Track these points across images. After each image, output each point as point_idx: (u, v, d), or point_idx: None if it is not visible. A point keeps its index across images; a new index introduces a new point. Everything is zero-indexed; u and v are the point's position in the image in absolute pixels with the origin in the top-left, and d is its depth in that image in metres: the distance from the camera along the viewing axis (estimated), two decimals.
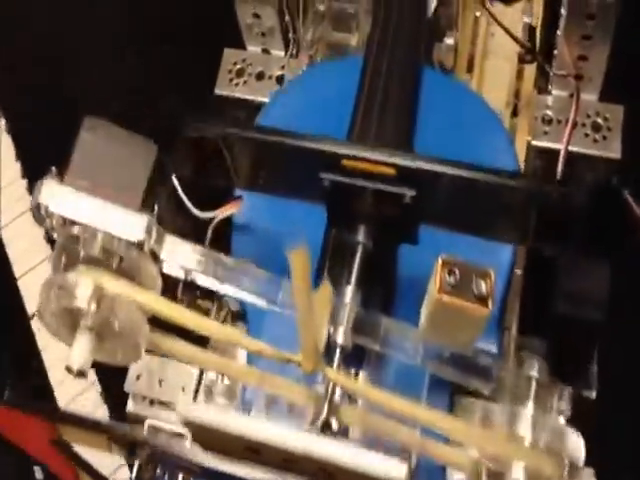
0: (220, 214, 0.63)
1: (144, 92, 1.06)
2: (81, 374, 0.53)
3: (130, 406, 0.78)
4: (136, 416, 0.78)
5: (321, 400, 0.52)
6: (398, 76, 0.64)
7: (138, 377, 0.74)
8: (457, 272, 0.50)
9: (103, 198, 0.55)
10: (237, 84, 0.95)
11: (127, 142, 0.58)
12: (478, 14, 0.83)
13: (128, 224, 0.55)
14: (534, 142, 0.80)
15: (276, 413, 0.57)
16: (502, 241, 0.58)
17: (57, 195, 0.55)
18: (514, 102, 0.81)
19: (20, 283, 1.02)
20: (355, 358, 0.57)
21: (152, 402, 0.77)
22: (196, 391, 0.72)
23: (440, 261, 0.50)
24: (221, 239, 0.67)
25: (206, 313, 0.68)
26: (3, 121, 1.11)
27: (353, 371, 0.58)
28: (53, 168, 0.57)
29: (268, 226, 0.67)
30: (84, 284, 0.53)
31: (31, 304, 0.99)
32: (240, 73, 0.95)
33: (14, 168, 1.08)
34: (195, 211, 0.60)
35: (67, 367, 0.53)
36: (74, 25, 1.13)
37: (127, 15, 1.13)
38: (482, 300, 0.50)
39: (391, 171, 0.53)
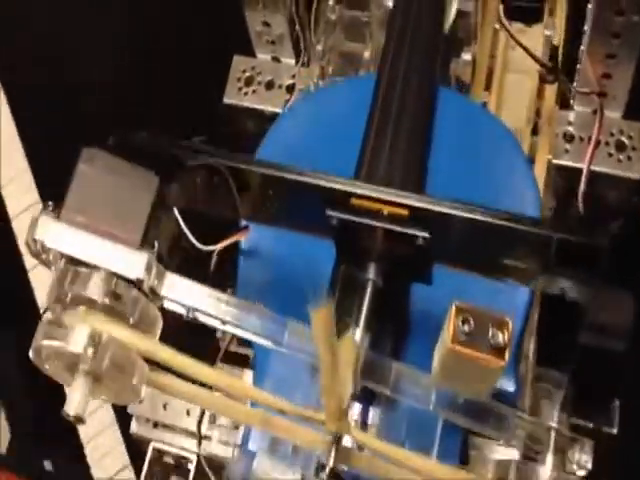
0: (226, 242, 0.61)
1: (150, 99, 1.03)
2: (78, 420, 0.51)
3: (133, 427, 0.76)
4: (140, 437, 0.77)
5: (328, 445, 0.50)
6: (412, 103, 0.61)
7: (141, 400, 0.72)
8: (472, 321, 0.47)
9: (101, 234, 0.53)
10: (246, 93, 0.92)
11: (127, 174, 0.55)
12: (497, 27, 0.79)
13: (127, 262, 0.52)
14: (555, 161, 0.77)
15: (280, 454, 0.55)
16: (519, 283, 0.55)
17: (53, 231, 0.53)
18: (535, 119, 0.78)
19: (31, 275, 1.00)
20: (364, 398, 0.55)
21: (156, 424, 0.76)
22: (201, 415, 0.70)
23: (454, 308, 0.48)
24: (226, 262, 0.65)
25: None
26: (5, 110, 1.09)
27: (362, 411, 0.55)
28: (50, 203, 0.54)
29: (276, 253, 0.64)
30: (80, 329, 0.51)
31: (42, 296, 0.98)
32: (249, 81, 0.92)
33: (20, 160, 1.06)
34: (198, 245, 0.57)
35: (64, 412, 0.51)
36: (76, 26, 1.11)
37: (134, 19, 1.11)
38: (498, 351, 0.47)
39: (404, 212, 0.50)
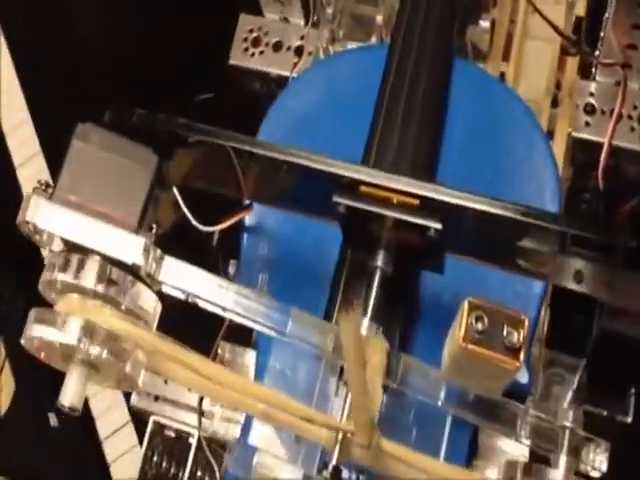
0: (228, 223, 0.58)
1: (155, 57, 0.99)
2: (73, 410, 0.49)
3: (134, 400, 0.75)
4: (141, 410, 0.75)
5: (332, 439, 0.48)
6: (426, 78, 0.58)
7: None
8: (485, 318, 0.45)
9: (96, 216, 0.50)
10: (253, 54, 0.88)
11: (124, 151, 0.52)
12: None
13: (123, 245, 0.50)
14: (575, 134, 0.74)
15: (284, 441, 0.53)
16: (534, 277, 0.52)
17: (45, 212, 0.50)
18: (554, 90, 0.74)
19: None
20: None
21: (157, 398, 0.74)
22: None
23: (467, 304, 0.45)
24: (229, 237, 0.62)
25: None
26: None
27: None
28: (41, 181, 0.51)
29: (280, 232, 0.61)
30: (73, 320, 0.48)
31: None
32: (256, 42, 0.88)
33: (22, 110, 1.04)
34: (199, 226, 0.55)
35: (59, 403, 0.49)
36: None
37: None
38: (513, 351, 0.44)
39: (414, 202, 0.47)
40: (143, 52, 1.01)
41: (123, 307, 0.50)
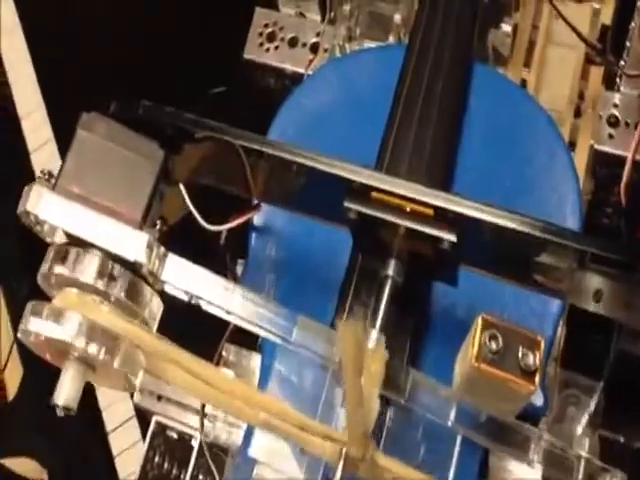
0: (235, 222, 0.56)
1: (169, 49, 0.97)
2: (67, 410, 0.47)
3: (137, 398, 0.73)
4: (143, 409, 0.73)
5: (337, 453, 0.45)
6: (444, 82, 0.56)
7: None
8: (500, 338, 0.43)
9: (99, 209, 0.48)
10: (268, 49, 0.86)
11: (130, 144, 0.50)
12: None
13: (126, 241, 0.48)
14: (597, 146, 0.71)
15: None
16: (551, 294, 0.50)
17: (46, 203, 0.48)
18: (577, 100, 0.72)
19: None
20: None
21: (160, 397, 0.72)
22: None
23: (480, 321, 0.43)
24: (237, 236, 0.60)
25: None
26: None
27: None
28: (44, 170, 0.50)
29: (290, 233, 0.59)
30: (71, 316, 0.46)
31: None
32: (272, 37, 0.86)
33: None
34: (205, 225, 0.53)
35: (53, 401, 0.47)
36: None
37: None
38: (528, 374, 0.42)
39: (428, 211, 0.45)
40: (158, 42, 0.99)
41: (123, 305, 0.48)
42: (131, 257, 0.47)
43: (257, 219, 0.60)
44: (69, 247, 0.48)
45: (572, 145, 0.70)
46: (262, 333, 0.49)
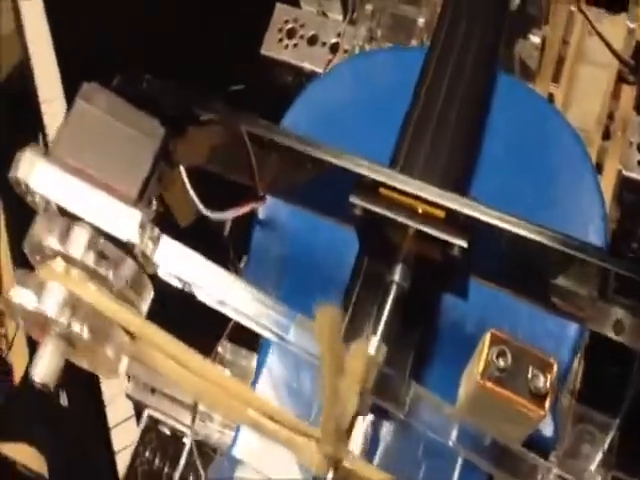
0: (237, 211, 0.53)
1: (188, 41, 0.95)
2: (44, 387, 0.44)
3: (130, 389, 0.70)
4: (136, 401, 0.70)
5: (326, 463, 0.42)
6: (466, 85, 0.53)
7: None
8: (509, 355, 0.39)
9: (92, 183, 0.46)
10: (287, 46, 0.84)
11: (130, 119, 0.47)
12: (574, 9, 0.70)
13: (118, 218, 0.45)
14: (626, 173, 0.68)
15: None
16: (569, 310, 0.47)
17: (38, 172, 0.46)
18: (607, 122, 0.69)
19: None
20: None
21: (154, 390, 0.69)
22: None
23: (489, 337, 0.40)
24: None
25: None
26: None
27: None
28: (39, 139, 0.47)
29: (295, 229, 0.57)
30: (55, 290, 0.44)
31: None
32: (291, 34, 0.84)
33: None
34: (205, 211, 0.50)
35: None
36: None
37: None
38: (538, 397, 0.39)
39: (439, 214, 0.42)
40: (176, 34, 0.97)
41: (111, 285, 0.45)
42: (122, 235, 0.45)
43: (262, 213, 0.57)
44: (59, 217, 0.45)
45: (599, 168, 0.67)
46: (257, 328, 0.46)
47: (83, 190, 0.45)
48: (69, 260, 0.45)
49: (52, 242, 0.44)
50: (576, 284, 0.43)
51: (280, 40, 0.84)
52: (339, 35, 0.82)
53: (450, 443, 0.42)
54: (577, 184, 0.54)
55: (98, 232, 0.45)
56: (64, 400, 0.85)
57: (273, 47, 0.85)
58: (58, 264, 0.45)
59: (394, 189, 0.43)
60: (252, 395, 0.42)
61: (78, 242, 0.44)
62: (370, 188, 0.44)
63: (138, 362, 0.47)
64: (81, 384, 0.83)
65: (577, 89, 0.69)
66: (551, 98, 0.69)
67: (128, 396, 0.71)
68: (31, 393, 0.85)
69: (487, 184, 0.53)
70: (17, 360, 0.89)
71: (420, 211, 0.43)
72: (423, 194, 0.42)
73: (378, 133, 0.54)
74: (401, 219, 0.43)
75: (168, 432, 0.70)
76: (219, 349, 0.66)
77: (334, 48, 0.82)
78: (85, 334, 0.43)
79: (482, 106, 0.55)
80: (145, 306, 0.47)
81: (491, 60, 0.58)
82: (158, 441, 0.71)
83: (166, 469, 0.70)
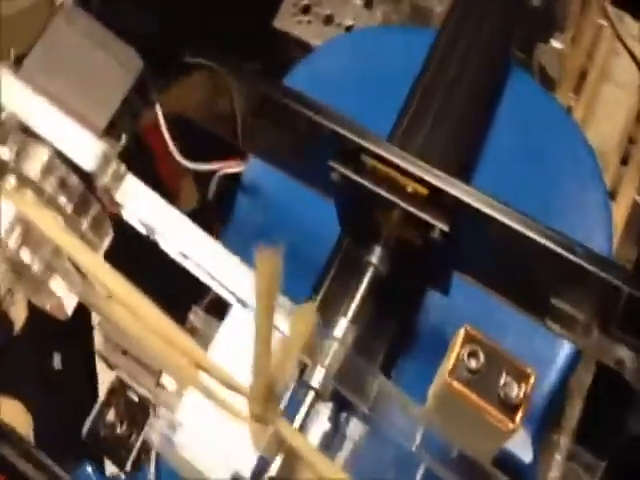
0: (213, 168, 0.49)
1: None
2: None
3: (99, 344, 0.65)
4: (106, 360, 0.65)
5: (275, 444, 0.38)
6: (474, 72, 0.50)
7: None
8: (482, 356, 0.35)
9: (60, 105, 0.43)
10: (300, 22, 0.80)
11: (108, 47, 0.45)
12: (602, 22, 0.66)
13: (82, 147, 0.42)
14: None
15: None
16: (563, 333, 0.43)
17: (5, 86, 0.43)
18: (627, 146, 0.64)
19: None
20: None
21: (125, 352, 0.65)
22: None
23: (462, 333, 0.36)
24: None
25: None
26: None
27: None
28: (12, 54, 0.43)
29: (281, 198, 0.53)
30: (4, 208, 0.41)
31: None
32: (306, 10, 0.80)
33: None
34: (180, 158, 0.46)
35: None
36: None
37: None
38: (509, 408, 0.35)
39: (423, 191, 0.38)
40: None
41: (69, 219, 0.42)
42: (84, 164, 0.42)
43: (247, 179, 0.54)
44: (19, 133, 0.42)
45: (612, 195, 0.62)
46: (219, 289, 0.42)
47: (49, 110, 0.42)
48: (24, 181, 0.41)
49: (3, 152, 0.41)
50: (573, 305, 0.39)
51: (294, 14, 0.80)
52: (355, 18, 0.78)
53: (414, 447, 0.38)
54: (585, 203, 0.50)
55: (60, 158, 0.42)
56: (57, 364, 0.81)
57: (286, 21, 0.80)
58: (11, 181, 0.41)
59: (376, 156, 0.39)
60: (195, 349, 0.38)
61: (34, 161, 0.41)
62: (351, 153, 0.40)
63: (88, 304, 0.43)
64: (76, 350, 0.79)
65: (598, 108, 0.64)
66: (570, 111, 0.65)
67: (98, 352, 0.66)
68: (22, 351, 0.81)
69: (486, 181, 0.49)
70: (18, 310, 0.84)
71: (402, 186, 0.39)
72: (404, 164, 0.38)
73: (373, 110, 0.50)
74: (379, 190, 0.39)
75: (136, 399, 0.66)
76: (191, 317, 0.61)
77: (349, 30, 0.78)
78: (32, 263, 0.41)
79: (490, 95, 0.52)
80: (102, 249, 0.45)
81: (504, 49, 0.54)
82: (125, 407, 0.66)
83: (133, 437, 0.66)
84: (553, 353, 0.46)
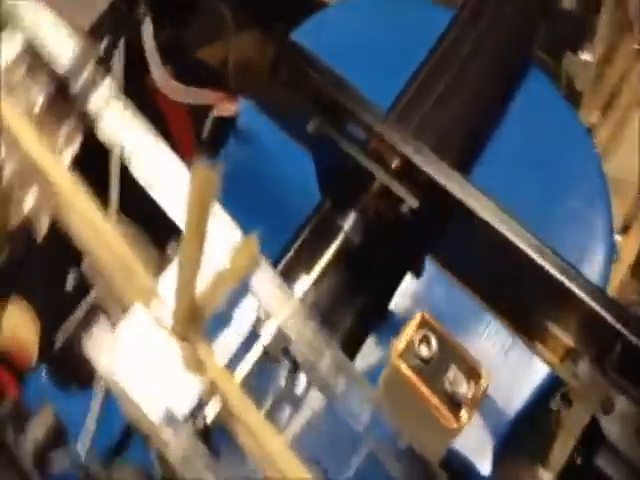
0: (204, 99, 0.46)
1: None
2: None
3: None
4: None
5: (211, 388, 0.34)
6: (489, 57, 0.46)
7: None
8: (435, 345, 0.32)
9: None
10: None
11: None
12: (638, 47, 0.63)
13: (58, 41, 0.39)
14: None
15: None
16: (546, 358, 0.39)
17: None
18: None
19: None
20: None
21: None
22: None
23: (419, 318, 0.33)
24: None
25: None
26: None
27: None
28: None
29: (272, 150, 0.50)
30: None
31: None
32: None
33: None
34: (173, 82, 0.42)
35: None
36: None
37: None
38: (454, 404, 0.31)
39: (397, 162, 0.36)
40: None
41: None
42: (58, 60, 0.38)
43: (241, 120, 0.51)
44: None
45: (625, 230, 0.59)
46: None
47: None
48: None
49: None
50: (564, 330, 0.36)
51: None
52: None
53: (360, 427, 0.35)
54: (584, 233, 0.47)
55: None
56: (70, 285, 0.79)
57: None
58: None
59: (352, 116, 0.36)
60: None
61: (10, 47, 0.38)
62: (334, 113, 0.37)
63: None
64: None
65: (625, 133, 0.61)
66: (593, 129, 0.61)
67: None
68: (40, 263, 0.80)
69: (484, 178, 0.46)
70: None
71: (381, 155, 0.36)
72: (377, 128, 0.36)
73: (377, 79, 0.47)
74: (349, 149, 0.37)
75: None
76: (168, 251, 0.58)
77: None
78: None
79: (502, 89, 0.49)
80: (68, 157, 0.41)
81: (525, 43, 0.52)
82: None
83: None
84: (530, 369, 0.43)
